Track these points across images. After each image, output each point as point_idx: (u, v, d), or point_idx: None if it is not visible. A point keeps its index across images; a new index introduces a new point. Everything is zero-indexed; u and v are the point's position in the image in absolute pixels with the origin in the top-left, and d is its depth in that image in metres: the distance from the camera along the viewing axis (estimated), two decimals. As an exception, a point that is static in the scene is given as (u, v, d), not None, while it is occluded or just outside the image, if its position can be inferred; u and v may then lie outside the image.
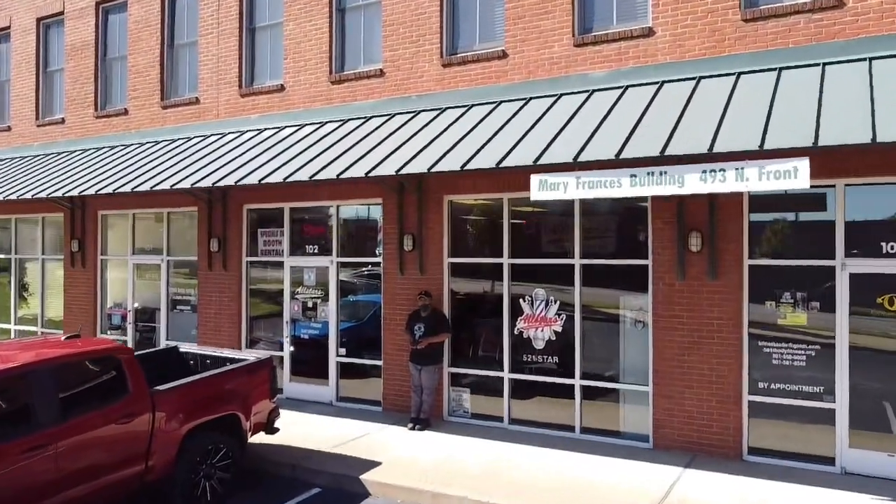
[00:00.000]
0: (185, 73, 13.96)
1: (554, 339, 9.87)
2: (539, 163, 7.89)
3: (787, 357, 8.45)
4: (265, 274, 12.66)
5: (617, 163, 7.61)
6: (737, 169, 6.80)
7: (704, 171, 6.97)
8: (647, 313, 9.18)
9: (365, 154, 9.79)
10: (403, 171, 8.81)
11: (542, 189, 7.80)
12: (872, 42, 8.00)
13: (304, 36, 12.16)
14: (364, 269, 11.65)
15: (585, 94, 9.48)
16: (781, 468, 8.25)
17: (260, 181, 9.96)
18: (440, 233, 10.62)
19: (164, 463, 7.35)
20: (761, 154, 6.85)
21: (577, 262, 9.65)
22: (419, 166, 8.78)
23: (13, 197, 13.04)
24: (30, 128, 16.29)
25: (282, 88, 12.42)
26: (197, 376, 7.98)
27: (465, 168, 8.39)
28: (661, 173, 7.17)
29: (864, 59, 7.98)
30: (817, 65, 8.24)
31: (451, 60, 10.74)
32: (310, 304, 12.08)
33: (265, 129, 12.42)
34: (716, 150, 6.98)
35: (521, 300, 10.12)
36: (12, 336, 16.39)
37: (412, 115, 10.86)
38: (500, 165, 8.16)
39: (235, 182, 10.18)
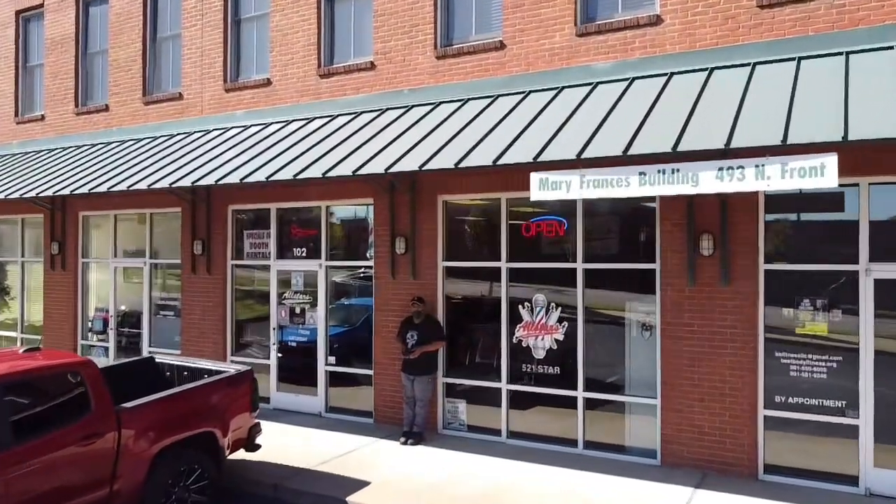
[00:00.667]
0: (168, 68, 13.34)
1: (555, 347, 9.26)
2: (539, 160, 7.27)
3: (806, 368, 7.84)
4: (252, 277, 12.05)
5: (624, 160, 6.99)
6: (757, 166, 6.20)
7: (721, 169, 6.36)
8: (654, 321, 8.58)
9: (353, 151, 9.18)
10: (394, 170, 8.20)
11: (542, 188, 7.19)
12: (900, 29, 7.40)
13: (291, 27, 11.54)
14: (359, 270, 11.03)
15: (589, 87, 8.88)
16: (800, 489, 7.65)
17: (241, 180, 9.35)
18: (434, 235, 10.01)
19: (131, 487, 6.75)
20: (784, 150, 6.24)
21: (579, 265, 9.05)
22: (410, 164, 8.16)
23: (-14, 197, 12.42)
24: (9, 125, 15.67)
25: (268, 83, 11.80)
26: (169, 391, 7.36)
27: (460, 166, 7.78)
28: (673, 171, 6.56)
29: (892, 48, 7.38)
30: (840, 54, 7.63)
31: (446, 52, 10.13)
32: (297, 310, 11.46)
33: (251, 126, 11.81)
34: (734, 144, 6.37)
35: (519, 306, 9.51)
36: (-9, 342, 15.78)
37: (405, 109, 10.25)
38: (498, 163, 7.55)
39: (216, 181, 9.57)
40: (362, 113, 10.67)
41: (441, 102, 10.02)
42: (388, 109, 10.46)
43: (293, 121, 11.35)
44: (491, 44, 9.77)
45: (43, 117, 15.01)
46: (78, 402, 6.55)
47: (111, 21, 13.90)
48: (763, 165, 6.17)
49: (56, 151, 14.38)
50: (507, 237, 9.54)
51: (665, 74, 8.50)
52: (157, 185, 10.18)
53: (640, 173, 6.71)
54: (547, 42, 9.37)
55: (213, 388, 7.76)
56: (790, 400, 7.86)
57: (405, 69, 10.46)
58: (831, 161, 5.94)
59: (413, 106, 10.24)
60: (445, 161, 7.99)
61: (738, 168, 6.30)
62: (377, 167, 8.42)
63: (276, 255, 11.63)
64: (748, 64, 8.07)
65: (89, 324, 14.19)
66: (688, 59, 8.45)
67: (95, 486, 6.47)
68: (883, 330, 7.47)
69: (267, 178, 9.14)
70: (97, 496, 6.50)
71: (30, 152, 14.98)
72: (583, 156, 7.06)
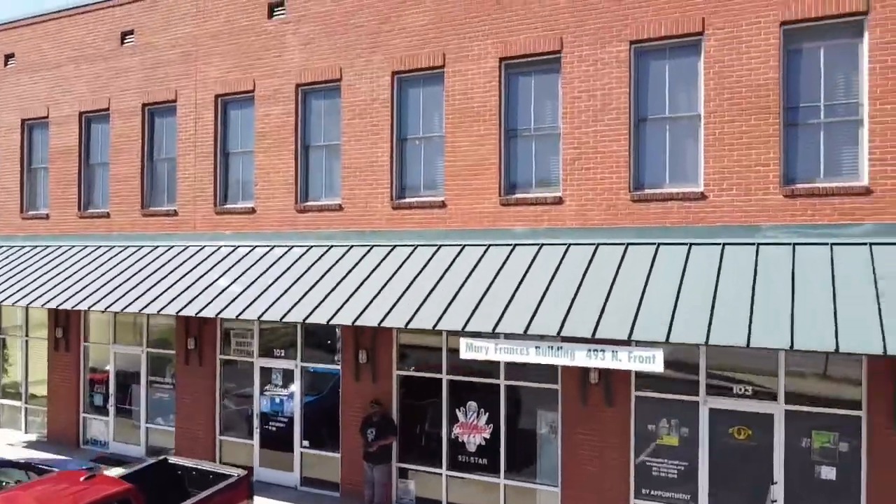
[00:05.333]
0: (164, 186, 15.64)
1: (484, 444, 11.97)
2: (466, 329, 9.97)
3: (664, 470, 10.69)
4: (238, 370, 14.46)
5: (525, 336, 9.75)
6: (613, 351, 9.00)
7: (589, 350, 9.15)
8: (558, 429, 11.33)
9: (327, 295, 11.71)
10: (358, 323, 10.80)
11: (468, 350, 9.90)
12: (727, 230, 10.28)
13: (273, 167, 14.01)
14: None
15: (509, 248, 11.59)
16: (658, 560, 10.52)
17: (237, 316, 11.82)
18: (390, 349, 12.63)
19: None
20: (629, 343, 9.05)
21: (501, 382, 11.77)
22: (371, 319, 10.78)
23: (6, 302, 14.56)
24: (15, 220, 17.68)
25: (253, 211, 14.24)
26: (193, 499, 9.85)
27: (408, 326, 10.42)
28: (557, 348, 9.33)
29: (719, 244, 10.26)
30: (685, 244, 10.49)
31: (400, 204, 12.74)
32: (277, 400, 13.95)
33: (239, 247, 14.22)
34: (597, 336, 9.15)
35: (457, 410, 12.20)
36: (-3, 409, 17.84)
37: (367, 248, 12.82)
38: (436, 328, 10.22)
39: (216, 314, 12.02)
40: (333, 247, 13.20)
41: (397, 245, 12.62)
42: (353, 246, 13.01)
43: (275, 247, 13.82)
44: (436, 202, 12.42)
45: (47, 216, 17.10)
46: (128, 519, 9.00)
47: (112, 140, 16.11)
48: (616, 351, 8.97)
49: (62, 248, 16.51)
50: (446, 356, 12.20)
51: (565, 244, 11.27)
52: (165, 311, 12.55)
53: (536, 347, 9.47)
54: (478, 206, 12.06)
55: (222, 492, 10.27)
56: (653, 493, 10.71)
57: (367, 213, 13.04)
58: (659, 354, 8.77)
59: (374, 246, 12.82)
60: (397, 320, 10.61)
61: (600, 350, 9.09)
62: (346, 318, 10.99)
63: (258, 353, 14.09)
64: (623, 244, 10.89)
65: (90, 398, 16.41)
66: (582, 234, 11.22)
67: (141, 580, 8.93)
68: (715, 445, 10.37)
69: (258, 317, 11.63)
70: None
71: (36, 246, 17.07)
72: (496, 331, 9.78)
